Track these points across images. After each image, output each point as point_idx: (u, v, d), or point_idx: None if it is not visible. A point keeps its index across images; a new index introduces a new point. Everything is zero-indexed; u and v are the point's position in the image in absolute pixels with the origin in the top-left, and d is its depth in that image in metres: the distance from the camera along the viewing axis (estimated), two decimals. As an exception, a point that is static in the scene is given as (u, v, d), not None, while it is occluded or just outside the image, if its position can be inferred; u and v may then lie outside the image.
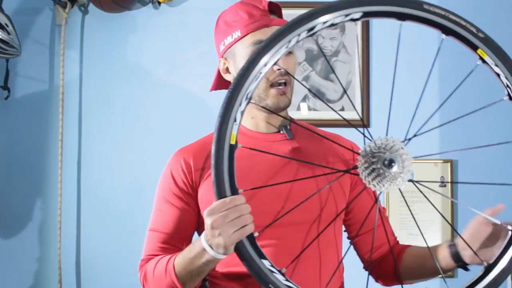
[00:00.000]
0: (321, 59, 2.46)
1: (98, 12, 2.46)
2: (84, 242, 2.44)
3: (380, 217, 1.36)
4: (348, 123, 1.23)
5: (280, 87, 1.27)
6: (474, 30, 1.11)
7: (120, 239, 2.40)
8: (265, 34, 1.24)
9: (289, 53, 1.27)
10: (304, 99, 2.45)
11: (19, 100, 2.49)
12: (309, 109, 2.44)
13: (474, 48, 1.12)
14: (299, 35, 1.08)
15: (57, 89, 2.46)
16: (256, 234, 1.10)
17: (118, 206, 2.43)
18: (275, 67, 1.23)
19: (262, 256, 1.08)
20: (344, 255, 1.30)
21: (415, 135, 1.15)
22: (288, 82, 1.29)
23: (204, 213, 1.08)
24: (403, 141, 1.11)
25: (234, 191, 1.08)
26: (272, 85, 1.28)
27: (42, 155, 2.47)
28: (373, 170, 1.09)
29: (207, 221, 1.07)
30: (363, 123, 1.18)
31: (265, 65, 1.08)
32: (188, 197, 1.30)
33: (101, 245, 2.42)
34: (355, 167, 1.11)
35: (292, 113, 2.53)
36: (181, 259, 1.20)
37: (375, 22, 2.45)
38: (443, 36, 1.12)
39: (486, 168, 2.33)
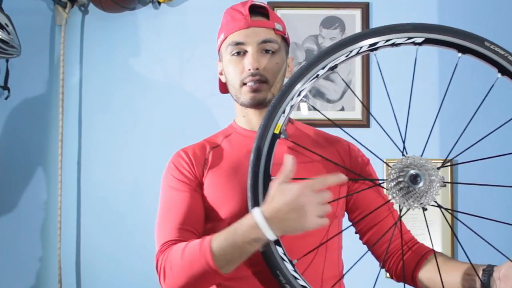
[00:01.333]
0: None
1: (98, 12, 2.46)
2: (84, 242, 2.44)
3: (390, 211, 1.35)
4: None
5: (251, 84, 1.30)
6: None
7: (120, 239, 2.41)
8: (241, 36, 1.30)
9: (267, 52, 1.31)
10: (304, 99, 2.45)
11: (19, 100, 2.49)
12: (309, 109, 2.44)
13: None
14: (360, 47, 1.15)
15: (57, 89, 2.46)
16: None
17: (118, 206, 2.43)
18: (247, 67, 1.29)
19: (277, 242, 1.11)
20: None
21: (447, 164, 1.15)
22: (265, 81, 1.30)
23: (301, 185, 1.06)
24: (439, 167, 1.12)
25: (267, 177, 1.13)
26: (244, 84, 1.31)
27: (42, 155, 2.47)
28: (399, 183, 1.11)
29: (305, 198, 1.05)
30: (403, 139, 1.19)
31: (323, 68, 1.15)
32: (194, 183, 1.30)
33: (101, 245, 2.42)
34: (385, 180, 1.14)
35: (293, 113, 2.53)
36: (223, 238, 1.11)
37: (375, 20, 2.44)
38: (498, 75, 1.15)
39: (486, 168, 2.33)
